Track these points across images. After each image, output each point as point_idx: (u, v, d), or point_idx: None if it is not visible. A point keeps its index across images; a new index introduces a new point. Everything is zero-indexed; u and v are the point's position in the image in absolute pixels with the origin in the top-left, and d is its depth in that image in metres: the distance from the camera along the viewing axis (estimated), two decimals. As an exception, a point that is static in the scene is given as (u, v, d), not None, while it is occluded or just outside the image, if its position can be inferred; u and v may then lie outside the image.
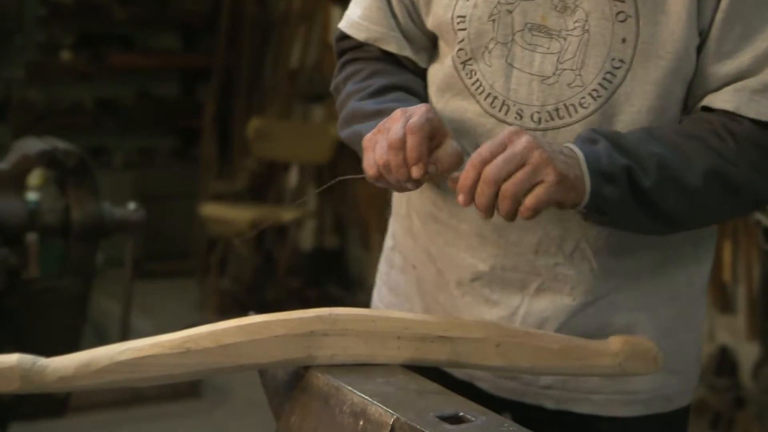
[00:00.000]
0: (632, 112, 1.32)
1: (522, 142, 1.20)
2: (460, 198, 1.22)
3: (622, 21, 1.30)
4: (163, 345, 1.18)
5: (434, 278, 1.48)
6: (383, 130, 1.27)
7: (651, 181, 1.26)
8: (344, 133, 1.44)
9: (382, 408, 1.11)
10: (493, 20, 1.34)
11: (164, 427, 3.89)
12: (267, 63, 5.83)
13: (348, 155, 4.90)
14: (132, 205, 2.30)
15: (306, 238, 5.58)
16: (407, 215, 1.52)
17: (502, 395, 1.45)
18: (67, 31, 5.87)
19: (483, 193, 1.20)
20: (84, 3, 5.84)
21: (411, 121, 1.24)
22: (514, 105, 1.35)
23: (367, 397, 1.13)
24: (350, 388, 1.16)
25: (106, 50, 5.85)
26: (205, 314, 4.98)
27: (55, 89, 5.76)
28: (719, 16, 1.30)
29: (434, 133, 1.26)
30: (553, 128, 1.33)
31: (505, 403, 1.45)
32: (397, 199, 1.56)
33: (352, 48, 1.52)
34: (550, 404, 1.44)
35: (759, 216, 3.07)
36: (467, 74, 1.37)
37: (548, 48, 1.33)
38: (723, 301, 3.58)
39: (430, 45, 1.47)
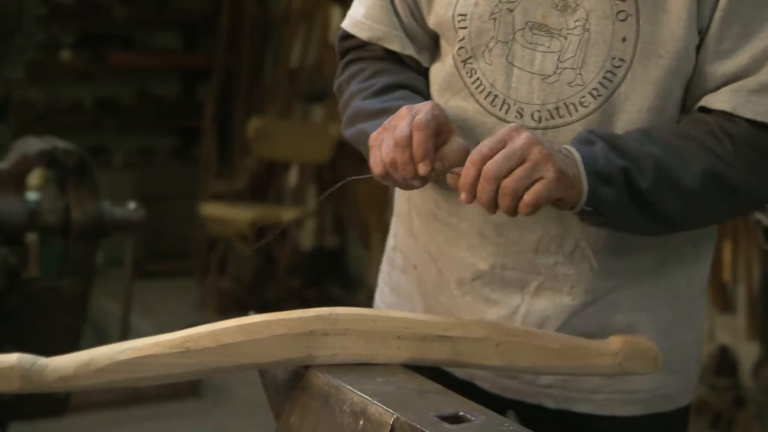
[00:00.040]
0: (632, 111, 1.32)
1: (522, 138, 1.20)
2: (463, 196, 1.22)
3: (622, 20, 1.30)
4: (163, 345, 1.18)
5: (435, 278, 1.48)
6: (389, 128, 1.27)
7: (648, 182, 1.26)
8: (348, 133, 1.44)
9: (382, 407, 1.11)
10: (494, 19, 1.34)
11: (164, 426, 3.89)
12: (267, 63, 5.84)
13: (348, 155, 4.90)
14: (132, 205, 2.30)
15: (306, 238, 5.58)
16: (408, 214, 1.52)
17: (502, 394, 1.45)
18: (67, 31, 5.86)
19: (484, 190, 1.20)
20: (84, 2, 5.83)
21: (417, 118, 1.24)
22: (515, 104, 1.35)
23: (367, 397, 1.13)
24: (350, 388, 1.16)
25: (106, 50, 5.85)
26: (205, 314, 4.98)
27: (55, 89, 5.76)
28: (718, 14, 1.30)
29: (440, 129, 1.26)
30: (554, 127, 1.33)
31: (505, 402, 1.45)
32: (399, 199, 1.56)
33: (355, 47, 1.52)
34: (550, 403, 1.44)
35: (759, 216, 3.07)
36: (467, 73, 1.37)
37: (549, 47, 1.33)
38: (723, 301, 3.58)
39: (433, 44, 1.47)
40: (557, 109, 1.33)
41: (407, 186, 1.28)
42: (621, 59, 1.31)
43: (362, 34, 1.48)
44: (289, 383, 1.26)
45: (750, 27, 1.30)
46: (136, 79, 6.09)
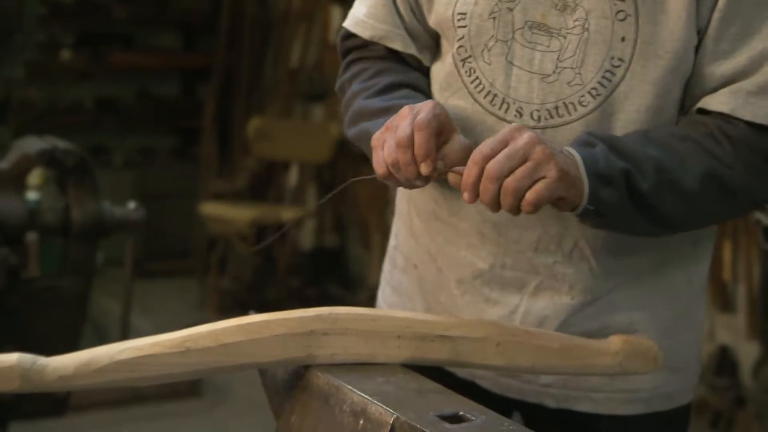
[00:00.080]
0: (631, 111, 1.32)
1: (524, 138, 1.20)
2: (465, 195, 1.22)
3: (621, 20, 1.30)
4: (163, 344, 1.18)
5: (435, 277, 1.48)
6: (391, 128, 1.27)
7: (649, 184, 1.26)
8: (351, 132, 1.44)
9: (382, 407, 1.11)
10: (494, 18, 1.34)
11: (164, 426, 3.89)
12: (267, 62, 5.83)
13: (348, 155, 4.90)
14: (132, 205, 2.30)
15: (306, 238, 5.58)
16: (408, 214, 1.52)
17: (504, 394, 1.45)
18: (67, 31, 5.86)
19: (486, 189, 1.20)
20: (84, 2, 5.83)
21: (418, 117, 1.25)
22: (514, 103, 1.35)
23: (367, 397, 1.13)
24: (350, 388, 1.16)
25: (106, 49, 5.85)
26: (205, 313, 4.97)
27: (55, 88, 5.76)
28: (716, 15, 1.30)
29: (442, 129, 1.26)
30: (553, 126, 1.33)
31: (507, 401, 1.45)
32: (400, 199, 1.56)
33: (357, 47, 1.52)
34: (551, 403, 1.44)
35: (759, 215, 3.07)
36: (467, 72, 1.37)
37: (548, 46, 1.33)
38: (723, 301, 3.57)
39: (434, 43, 1.47)
40: (556, 108, 1.33)
41: (410, 186, 1.29)
42: (620, 59, 1.31)
43: (364, 33, 1.48)
44: (289, 383, 1.26)
45: (748, 28, 1.30)
46: (136, 78, 6.08)
